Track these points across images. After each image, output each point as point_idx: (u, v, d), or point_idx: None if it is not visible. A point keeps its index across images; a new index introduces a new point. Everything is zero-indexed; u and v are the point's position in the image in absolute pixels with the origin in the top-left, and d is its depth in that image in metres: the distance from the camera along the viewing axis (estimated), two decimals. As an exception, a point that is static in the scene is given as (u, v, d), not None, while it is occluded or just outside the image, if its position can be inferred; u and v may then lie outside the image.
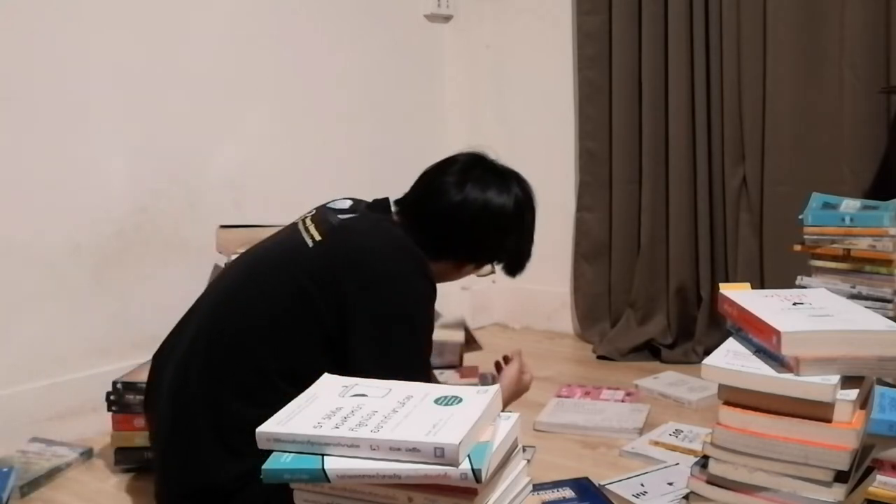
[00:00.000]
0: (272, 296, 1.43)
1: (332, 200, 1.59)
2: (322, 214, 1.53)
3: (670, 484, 1.61)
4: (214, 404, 1.39)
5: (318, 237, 1.46)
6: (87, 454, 1.93)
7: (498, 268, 1.69)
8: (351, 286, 1.39)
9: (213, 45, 2.33)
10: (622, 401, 2.17)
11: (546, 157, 2.90)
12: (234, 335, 1.42)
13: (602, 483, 1.63)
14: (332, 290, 1.39)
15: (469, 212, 1.52)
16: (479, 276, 1.75)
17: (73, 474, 1.85)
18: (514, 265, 1.65)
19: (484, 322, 3.08)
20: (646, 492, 1.59)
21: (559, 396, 2.20)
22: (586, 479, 1.64)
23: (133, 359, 2.02)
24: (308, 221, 1.53)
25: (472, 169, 1.56)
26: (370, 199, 1.60)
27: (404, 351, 1.39)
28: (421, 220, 1.54)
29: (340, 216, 1.51)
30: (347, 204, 1.56)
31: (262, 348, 1.39)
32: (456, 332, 2.08)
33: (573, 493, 1.58)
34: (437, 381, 1.47)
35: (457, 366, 2.10)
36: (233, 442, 1.35)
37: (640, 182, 2.68)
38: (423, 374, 1.42)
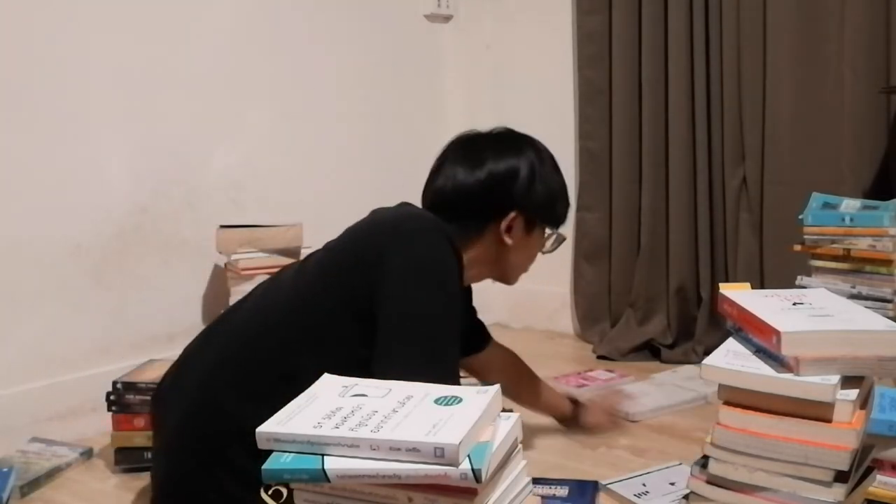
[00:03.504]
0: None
1: None
2: None
3: (672, 484, 1.61)
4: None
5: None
6: (87, 454, 1.93)
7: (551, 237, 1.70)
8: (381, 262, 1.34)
9: (213, 45, 2.33)
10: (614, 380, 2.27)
11: (546, 157, 2.89)
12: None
13: (603, 483, 1.62)
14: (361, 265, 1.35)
15: (475, 177, 1.54)
16: (546, 251, 1.76)
17: (73, 474, 1.85)
18: (551, 210, 1.66)
19: (484, 322, 3.07)
20: (647, 491, 1.59)
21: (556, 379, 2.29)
22: (594, 482, 1.61)
23: (133, 359, 2.02)
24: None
25: (458, 146, 1.60)
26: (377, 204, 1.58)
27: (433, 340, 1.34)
28: (436, 205, 1.54)
29: None
30: None
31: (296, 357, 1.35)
32: None
33: (565, 493, 1.55)
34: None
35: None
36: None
37: (640, 182, 2.68)
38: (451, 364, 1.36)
